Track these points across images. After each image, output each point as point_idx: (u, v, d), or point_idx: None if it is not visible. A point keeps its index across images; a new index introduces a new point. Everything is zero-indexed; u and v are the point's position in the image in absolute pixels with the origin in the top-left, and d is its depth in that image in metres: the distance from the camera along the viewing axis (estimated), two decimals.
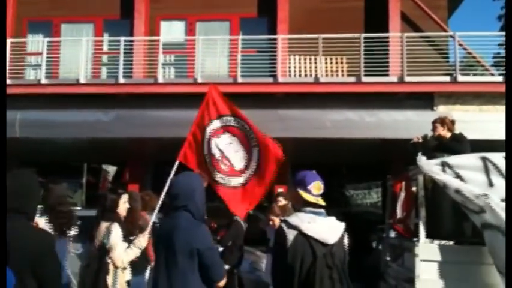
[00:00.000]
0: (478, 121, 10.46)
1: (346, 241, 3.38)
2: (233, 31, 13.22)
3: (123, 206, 5.09)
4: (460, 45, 11.80)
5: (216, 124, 5.70)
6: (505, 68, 11.27)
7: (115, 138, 11.52)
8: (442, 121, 6.55)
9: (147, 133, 11.19)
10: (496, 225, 4.46)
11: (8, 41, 12.49)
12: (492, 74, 12.13)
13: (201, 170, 5.68)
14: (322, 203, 3.40)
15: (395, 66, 11.64)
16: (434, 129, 6.59)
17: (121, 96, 11.98)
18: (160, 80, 11.99)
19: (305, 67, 12.23)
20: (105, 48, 13.34)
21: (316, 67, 11.94)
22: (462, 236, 5.15)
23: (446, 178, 4.86)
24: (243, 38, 12.24)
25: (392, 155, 11.78)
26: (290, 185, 3.61)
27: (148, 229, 4.95)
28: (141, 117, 11.50)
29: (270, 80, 11.78)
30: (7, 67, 12.16)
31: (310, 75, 12.03)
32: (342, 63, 12.18)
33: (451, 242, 5.19)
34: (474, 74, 12.77)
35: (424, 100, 11.52)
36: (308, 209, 3.36)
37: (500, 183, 4.69)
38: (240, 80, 11.70)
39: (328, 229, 3.31)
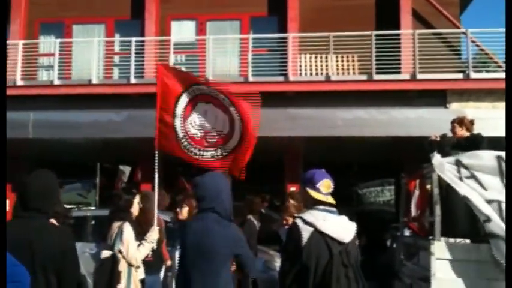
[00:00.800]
0: (491, 118, 10.34)
1: (357, 241, 3.37)
2: (243, 30, 13.21)
3: (136, 206, 5.12)
4: (473, 41, 11.70)
5: (184, 100, 5.40)
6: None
7: (127, 138, 11.58)
8: (460, 121, 6.51)
9: None
10: (500, 235, 4.50)
11: (20, 42, 12.60)
12: (505, 71, 12.00)
13: (180, 155, 5.43)
14: (332, 201, 3.38)
15: (407, 63, 11.56)
16: (452, 129, 6.55)
17: (133, 96, 12.03)
18: None
19: (316, 65, 12.19)
20: (116, 48, 13.39)
21: (327, 65, 11.90)
22: (478, 234, 5.10)
23: (455, 182, 4.85)
24: (253, 37, 12.24)
25: (404, 153, 11.72)
26: (299, 184, 3.58)
27: (155, 226, 4.97)
28: (152, 117, 11.45)
29: (281, 78, 11.76)
30: (19, 69, 12.28)
31: (321, 74, 11.98)
32: (353, 61, 12.13)
33: (467, 240, 5.15)
34: (487, 71, 12.66)
35: (436, 97, 11.44)
36: (321, 207, 3.34)
37: None
38: (250, 79, 11.69)
39: (342, 227, 3.28)
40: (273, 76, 11.85)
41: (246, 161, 5.32)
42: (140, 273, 4.95)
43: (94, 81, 12.14)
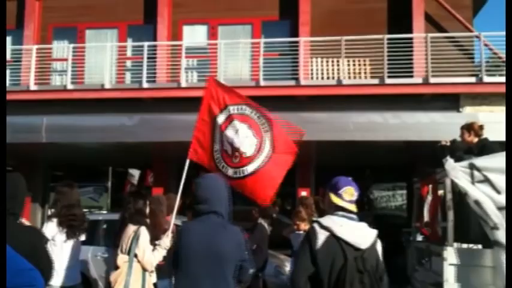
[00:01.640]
0: (505, 122, 10.25)
1: (379, 248, 3.33)
2: (255, 34, 13.24)
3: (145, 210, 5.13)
4: (486, 45, 11.61)
5: (223, 116, 5.46)
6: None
7: (139, 142, 11.64)
8: (468, 127, 6.46)
9: (171, 137, 11.26)
10: (505, 245, 4.48)
11: (34, 47, 12.74)
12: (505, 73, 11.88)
13: (209, 167, 5.46)
14: (354, 209, 3.37)
15: (419, 67, 11.50)
16: (461, 135, 6.50)
17: (145, 101, 12.12)
18: (183, 84, 12.08)
19: (327, 69, 12.17)
20: (129, 53, 13.49)
21: (338, 69, 11.88)
22: (490, 240, 5.06)
23: (468, 187, 4.83)
24: (265, 41, 12.25)
25: (417, 157, 11.65)
26: (325, 189, 3.58)
27: (170, 230, 4.97)
28: (164, 121, 11.59)
29: (293, 83, 11.76)
30: (33, 73, 12.41)
31: (333, 78, 11.96)
32: (365, 65, 12.09)
33: (479, 246, 5.11)
34: (500, 75, 12.54)
35: (449, 101, 11.36)
36: (340, 213, 3.35)
37: None
38: (262, 83, 11.71)
39: (360, 234, 3.28)
40: (285, 80, 11.86)
41: (275, 189, 5.32)
42: (153, 277, 4.96)
43: (107, 86, 12.24)
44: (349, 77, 11.94)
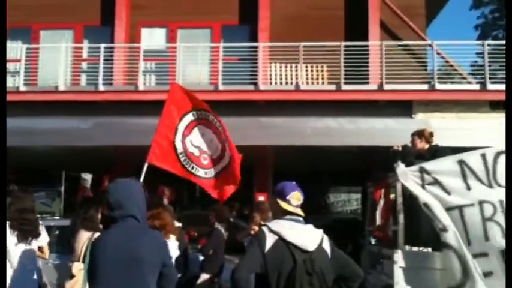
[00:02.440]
0: (456, 129, 10.60)
1: (327, 247, 3.37)
2: (214, 38, 13.22)
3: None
4: (438, 53, 11.97)
5: (187, 120, 5.87)
6: (483, 75, 11.50)
7: (95, 146, 11.41)
8: (419, 133, 6.62)
9: (128, 141, 11.10)
10: (454, 246, 4.67)
11: None
12: (469, 82, 12.32)
13: (174, 170, 5.83)
14: (301, 213, 3.43)
15: (374, 74, 11.75)
16: (412, 141, 6.64)
17: (101, 104, 11.89)
18: (141, 87, 11.93)
19: (286, 75, 12.28)
20: (84, 55, 13.23)
21: (297, 75, 12.00)
22: (440, 243, 5.21)
23: (418, 190, 4.97)
24: (224, 45, 12.26)
25: (371, 162, 11.87)
26: (270, 195, 3.63)
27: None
28: (121, 124, 11.41)
29: (251, 87, 11.81)
30: None
31: (291, 83, 12.08)
32: (322, 71, 12.27)
33: (429, 249, 5.24)
34: (452, 82, 12.96)
35: (402, 108, 11.64)
36: (288, 216, 3.39)
37: (477, 186, 4.87)
38: (221, 87, 11.70)
39: (307, 236, 3.33)
40: (243, 85, 11.89)
41: (234, 187, 6.04)
42: None
43: (61, 88, 11.97)
44: (307, 83, 12.09)
